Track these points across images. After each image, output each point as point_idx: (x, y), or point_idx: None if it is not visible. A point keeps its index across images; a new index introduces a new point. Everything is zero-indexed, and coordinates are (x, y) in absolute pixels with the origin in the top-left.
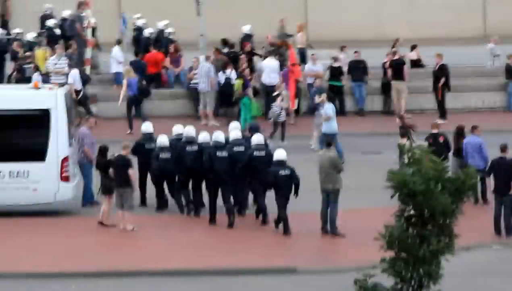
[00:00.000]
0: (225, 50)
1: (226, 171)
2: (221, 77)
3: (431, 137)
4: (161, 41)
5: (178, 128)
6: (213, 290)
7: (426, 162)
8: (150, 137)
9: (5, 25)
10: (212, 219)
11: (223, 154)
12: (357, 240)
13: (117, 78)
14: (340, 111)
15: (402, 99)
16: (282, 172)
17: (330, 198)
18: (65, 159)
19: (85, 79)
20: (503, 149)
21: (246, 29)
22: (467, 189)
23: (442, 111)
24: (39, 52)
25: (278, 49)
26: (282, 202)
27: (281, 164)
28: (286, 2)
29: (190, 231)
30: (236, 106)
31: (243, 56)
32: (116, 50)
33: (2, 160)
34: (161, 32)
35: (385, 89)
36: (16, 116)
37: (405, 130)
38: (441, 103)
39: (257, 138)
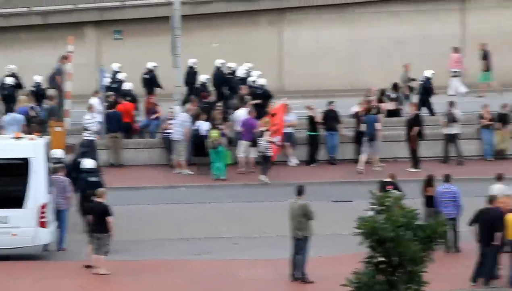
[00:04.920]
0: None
1: None
2: (193, 127)
3: (380, 184)
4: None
5: (56, 152)
6: None
7: (396, 209)
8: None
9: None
10: None
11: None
12: (326, 287)
13: None
14: (313, 160)
15: None
16: (92, 179)
17: (300, 245)
18: (43, 206)
19: None
20: (491, 200)
21: (203, 78)
22: (437, 236)
23: (415, 160)
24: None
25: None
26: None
27: (91, 171)
28: (262, 52)
29: (163, 276)
30: (207, 155)
31: (218, 109)
32: (95, 101)
33: None
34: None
35: (358, 138)
36: None
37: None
38: (414, 152)
39: (88, 163)
